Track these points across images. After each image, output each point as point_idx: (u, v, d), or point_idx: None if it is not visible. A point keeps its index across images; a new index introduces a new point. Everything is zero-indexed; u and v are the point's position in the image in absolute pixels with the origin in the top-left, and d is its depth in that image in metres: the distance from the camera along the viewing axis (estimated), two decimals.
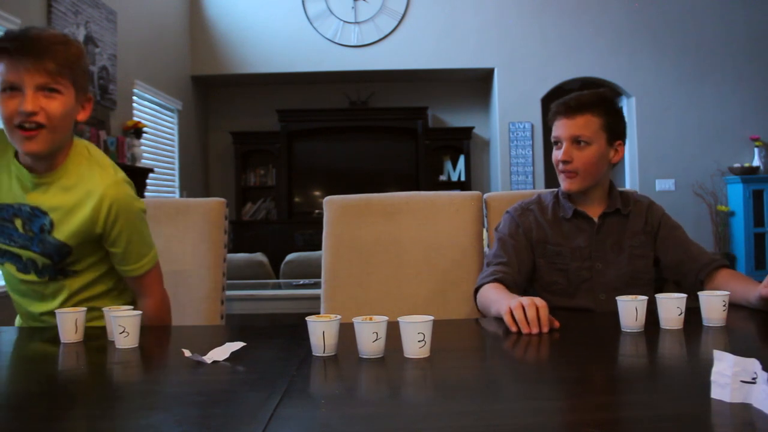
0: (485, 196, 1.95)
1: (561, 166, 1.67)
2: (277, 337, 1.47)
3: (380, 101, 7.04)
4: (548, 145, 2.56)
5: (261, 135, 6.86)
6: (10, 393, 1.05)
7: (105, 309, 1.35)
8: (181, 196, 6.03)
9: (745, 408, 0.80)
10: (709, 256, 1.64)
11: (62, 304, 1.49)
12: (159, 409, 0.92)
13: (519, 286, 1.66)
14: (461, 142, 6.89)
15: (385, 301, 1.84)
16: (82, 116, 1.45)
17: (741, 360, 0.82)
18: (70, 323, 1.32)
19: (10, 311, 1.62)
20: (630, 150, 6.45)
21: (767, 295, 1.37)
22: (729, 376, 0.82)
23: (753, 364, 0.82)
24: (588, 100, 1.66)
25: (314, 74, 6.56)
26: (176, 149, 6.06)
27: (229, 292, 2.12)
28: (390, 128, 6.95)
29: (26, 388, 1.09)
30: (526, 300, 1.32)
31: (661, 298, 1.32)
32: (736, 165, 6.09)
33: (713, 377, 0.84)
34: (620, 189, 1.78)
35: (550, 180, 6.37)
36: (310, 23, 6.37)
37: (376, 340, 1.11)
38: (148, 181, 5.00)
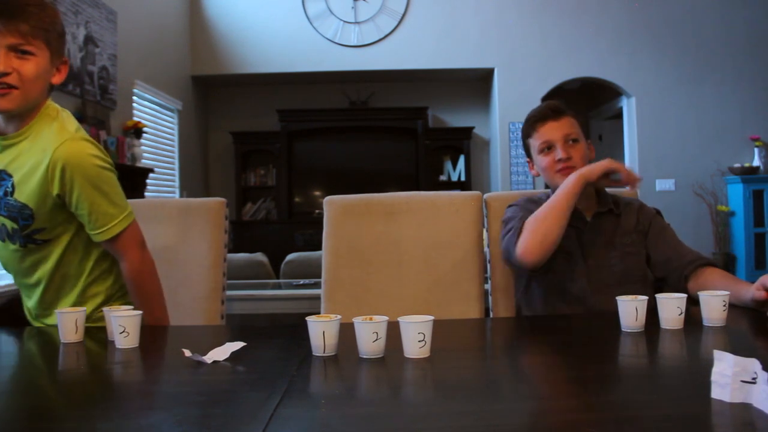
0: (485, 196, 1.95)
1: (560, 165, 1.70)
2: (277, 337, 1.47)
3: (380, 101, 7.04)
4: None
5: (261, 135, 6.86)
6: (10, 393, 1.05)
7: (105, 309, 1.35)
8: (181, 196, 6.03)
9: (745, 408, 0.80)
10: (695, 254, 1.67)
11: (43, 291, 1.47)
12: (159, 409, 0.92)
13: None
14: (461, 142, 6.89)
15: (385, 301, 1.84)
16: (57, 79, 1.46)
17: (741, 360, 0.82)
18: (70, 323, 1.32)
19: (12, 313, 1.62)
20: (630, 150, 6.45)
21: (760, 298, 1.38)
22: (729, 376, 0.82)
23: (753, 364, 0.82)
24: (561, 104, 1.76)
25: (314, 74, 6.56)
26: (176, 149, 6.06)
27: (229, 292, 2.12)
28: (390, 128, 6.95)
29: (26, 388, 1.09)
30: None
31: (661, 298, 1.32)
32: (736, 165, 6.09)
33: (713, 377, 0.84)
34: (609, 191, 1.80)
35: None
36: (310, 23, 6.37)
37: (376, 340, 1.11)
38: (148, 181, 4.99)
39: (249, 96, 7.12)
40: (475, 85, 7.05)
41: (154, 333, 1.45)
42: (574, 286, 1.67)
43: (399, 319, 1.12)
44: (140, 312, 1.30)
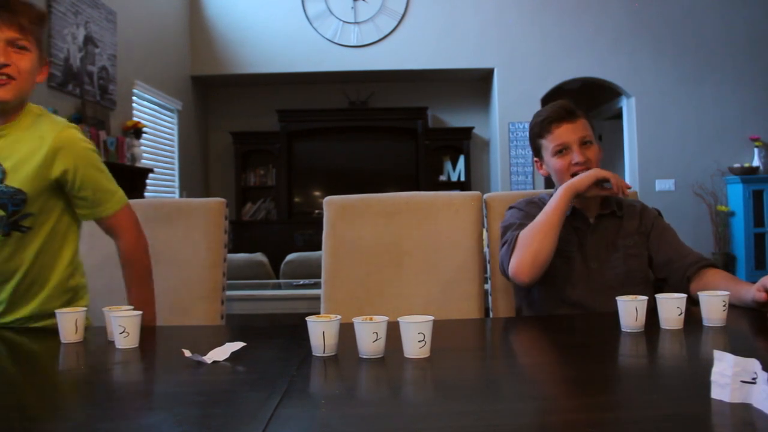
0: (485, 196, 1.95)
1: (576, 168, 1.68)
2: (277, 337, 1.47)
3: (380, 101, 7.04)
4: None
5: (261, 135, 6.86)
6: (9, 393, 1.05)
7: (105, 309, 1.35)
8: (181, 196, 6.03)
9: (745, 408, 0.80)
10: (696, 256, 1.67)
11: (18, 282, 1.49)
12: (159, 409, 0.92)
13: None
14: (461, 142, 6.89)
15: (385, 301, 1.84)
16: (41, 77, 1.52)
17: (741, 360, 0.82)
18: (70, 323, 1.32)
19: None
20: (630, 150, 6.45)
21: (760, 300, 1.38)
22: (729, 376, 0.82)
23: (753, 364, 0.82)
24: (574, 105, 1.73)
25: (314, 74, 6.56)
26: (176, 149, 6.06)
27: (229, 292, 2.12)
28: (390, 128, 6.95)
29: (26, 388, 1.09)
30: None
31: (661, 298, 1.32)
32: (736, 165, 6.09)
33: (713, 377, 0.84)
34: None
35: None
36: (310, 23, 6.37)
37: (376, 340, 1.11)
38: (148, 181, 5.00)
39: (249, 96, 7.12)
40: (475, 85, 7.05)
41: (154, 333, 1.45)
42: (576, 288, 1.67)
43: (399, 319, 1.12)
44: (140, 312, 1.30)
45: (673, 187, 6.29)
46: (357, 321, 1.12)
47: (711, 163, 6.21)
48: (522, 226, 1.68)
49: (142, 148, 5.02)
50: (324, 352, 1.14)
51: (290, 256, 4.09)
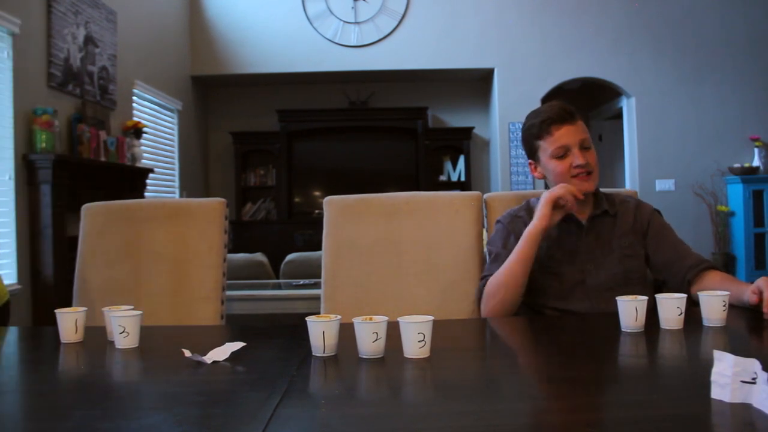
0: (485, 196, 1.95)
1: (577, 171, 1.65)
2: (277, 337, 1.47)
3: (380, 101, 7.04)
4: None
5: (261, 135, 6.86)
6: (10, 393, 1.05)
7: (105, 309, 1.35)
8: (181, 196, 6.03)
9: (745, 408, 0.80)
10: (696, 257, 1.65)
11: None
12: (159, 409, 0.92)
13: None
14: (461, 142, 6.89)
15: (385, 301, 1.84)
16: None
17: (741, 360, 0.82)
18: (70, 323, 1.32)
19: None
20: (630, 150, 6.45)
21: (753, 302, 1.38)
22: (729, 376, 0.82)
23: (753, 364, 0.82)
24: (570, 106, 1.70)
25: (314, 74, 6.56)
26: (176, 149, 6.06)
27: (229, 292, 2.12)
28: (390, 128, 6.95)
29: (26, 388, 1.09)
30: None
31: (661, 298, 1.32)
32: (736, 165, 6.09)
33: (713, 377, 0.84)
34: (604, 190, 1.79)
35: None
36: (310, 23, 6.37)
37: (376, 340, 1.11)
38: (148, 181, 5.00)
39: (249, 96, 7.12)
40: (475, 85, 7.05)
41: (154, 333, 1.45)
42: (574, 291, 1.66)
43: (399, 319, 1.12)
44: (140, 312, 1.30)
45: (673, 187, 6.29)
46: (357, 321, 1.12)
47: (711, 163, 6.21)
48: (498, 257, 1.68)
49: (142, 148, 5.02)
50: (324, 352, 1.14)
51: (290, 256, 4.09)
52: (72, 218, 3.53)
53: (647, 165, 6.29)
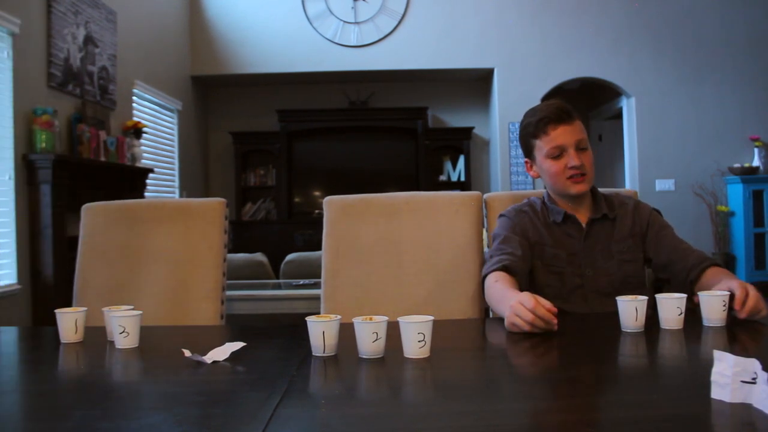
0: (485, 196, 1.95)
1: (572, 172, 1.64)
2: (277, 337, 1.47)
3: (380, 101, 7.04)
4: None
5: (261, 135, 6.86)
6: (10, 393, 1.05)
7: (105, 309, 1.35)
8: (181, 196, 6.03)
9: (745, 408, 0.80)
10: (697, 256, 1.63)
11: None
12: (159, 409, 0.92)
13: (525, 274, 1.65)
14: (461, 142, 6.89)
15: (385, 301, 1.84)
16: None
17: (741, 360, 0.82)
18: (70, 323, 1.32)
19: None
20: (630, 150, 6.45)
21: (746, 317, 1.33)
22: (729, 376, 0.82)
23: (753, 364, 0.82)
24: (568, 106, 1.67)
25: (314, 74, 6.56)
26: (176, 149, 6.06)
27: (229, 292, 2.12)
28: (390, 128, 6.95)
29: (26, 388, 1.09)
30: (523, 301, 1.29)
31: (661, 298, 1.32)
32: (736, 165, 6.09)
33: (713, 377, 0.84)
34: (603, 191, 1.77)
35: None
36: (310, 23, 6.37)
37: (376, 340, 1.11)
38: (148, 181, 5.00)
39: (249, 96, 7.12)
40: (474, 85, 7.05)
41: (154, 333, 1.45)
42: (573, 294, 1.66)
43: (399, 319, 1.12)
44: (140, 312, 1.30)
45: (673, 187, 6.29)
46: (357, 321, 1.12)
47: (711, 163, 6.21)
48: (507, 239, 1.65)
49: (142, 148, 5.02)
50: (324, 352, 1.14)
51: (290, 256, 4.09)
52: (72, 218, 3.53)
53: (647, 165, 6.29)
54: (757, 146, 6.15)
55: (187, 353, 1.13)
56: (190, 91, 6.43)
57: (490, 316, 1.89)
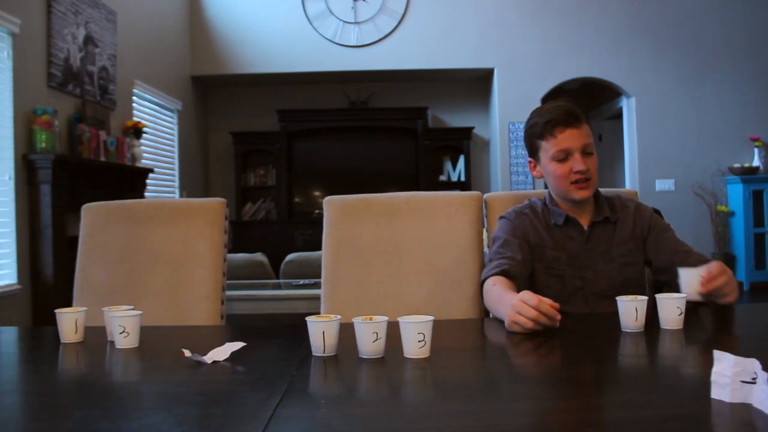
0: (485, 196, 1.95)
1: (576, 177, 1.63)
2: (277, 337, 1.47)
3: (380, 101, 7.04)
4: None
5: (261, 135, 6.86)
6: (10, 393, 1.05)
7: (105, 309, 1.35)
8: (181, 196, 6.03)
9: (745, 408, 0.80)
10: (697, 258, 1.63)
11: None
12: (159, 409, 0.92)
13: (525, 278, 1.65)
14: (461, 142, 6.89)
15: (385, 301, 1.84)
16: None
17: (741, 360, 0.82)
18: (70, 323, 1.32)
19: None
20: (630, 150, 6.45)
21: (705, 292, 1.39)
22: (729, 376, 0.82)
23: (753, 364, 0.82)
24: (577, 109, 1.65)
25: (314, 74, 6.56)
26: (176, 149, 6.06)
27: (229, 292, 2.12)
28: (390, 128, 6.95)
29: (26, 388, 1.09)
30: (525, 299, 1.29)
31: (661, 298, 1.32)
32: (736, 165, 6.09)
33: (713, 377, 0.84)
34: (605, 193, 1.77)
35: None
36: (310, 23, 6.37)
37: (376, 340, 1.11)
38: (148, 181, 5.00)
39: (249, 96, 7.12)
40: (475, 85, 7.05)
41: (154, 333, 1.45)
42: (574, 296, 1.65)
43: (399, 319, 1.12)
44: (140, 312, 1.30)
45: (673, 187, 6.29)
46: (357, 321, 1.12)
47: (711, 163, 6.21)
48: (507, 242, 1.65)
49: (142, 148, 5.02)
50: (324, 352, 1.14)
51: (290, 256, 4.09)
52: (72, 218, 3.53)
53: (647, 165, 6.29)
54: (757, 146, 6.16)
55: (187, 353, 1.13)
56: (190, 91, 6.43)
57: (490, 316, 1.89)
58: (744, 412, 0.79)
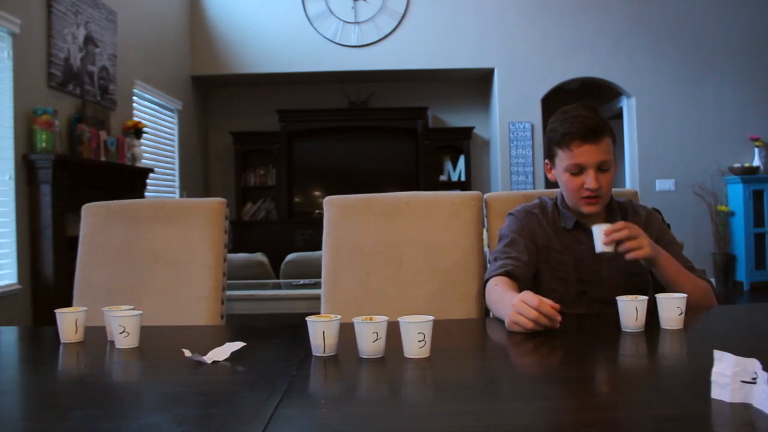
0: (485, 196, 1.95)
1: (587, 193, 1.60)
2: (277, 337, 1.47)
3: (380, 101, 7.04)
4: None
5: (261, 135, 6.86)
6: (10, 393, 1.05)
7: (104, 309, 1.35)
8: (181, 196, 6.03)
9: (745, 408, 0.80)
10: (694, 281, 1.60)
11: None
12: (159, 409, 0.92)
13: (529, 280, 1.64)
14: (461, 142, 6.89)
15: (385, 301, 1.84)
16: None
17: (741, 360, 0.82)
18: (70, 323, 1.32)
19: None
20: (630, 150, 6.45)
21: (607, 243, 1.48)
22: (729, 376, 0.82)
23: (753, 364, 0.82)
24: (602, 122, 1.59)
25: (314, 74, 6.56)
26: (176, 149, 6.06)
27: (229, 292, 2.12)
28: (390, 128, 6.95)
29: (26, 388, 1.09)
30: (526, 299, 1.29)
31: (661, 298, 1.32)
32: (736, 165, 6.09)
33: (713, 377, 0.84)
34: (618, 197, 1.75)
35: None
36: (310, 23, 6.37)
37: (376, 340, 1.11)
38: (148, 181, 5.00)
39: (249, 96, 7.12)
40: (475, 85, 7.05)
41: (154, 333, 1.45)
42: (576, 303, 1.64)
43: (399, 319, 1.12)
44: (140, 312, 1.30)
45: (673, 187, 6.29)
46: (357, 321, 1.12)
47: (711, 163, 6.21)
48: (514, 242, 1.65)
49: (143, 148, 5.02)
50: (324, 352, 1.14)
51: (290, 256, 4.09)
52: (72, 218, 3.53)
53: (647, 165, 6.29)
54: (757, 146, 6.16)
55: (187, 353, 1.13)
56: (190, 91, 6.43)
57: (491, 315, 1.89)
58: (744, 412, 0.79)
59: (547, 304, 1.27)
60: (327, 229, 1.91)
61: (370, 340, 1.11)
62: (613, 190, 1.82)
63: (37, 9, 3.78)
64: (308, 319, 1.15)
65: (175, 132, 6.07)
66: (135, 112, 5.14)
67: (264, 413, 0.84)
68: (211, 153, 7.12)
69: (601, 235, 1.50)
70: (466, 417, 0.84)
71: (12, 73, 3.50)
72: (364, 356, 1.11)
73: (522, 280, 1.60)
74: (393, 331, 1.12)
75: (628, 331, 1.29)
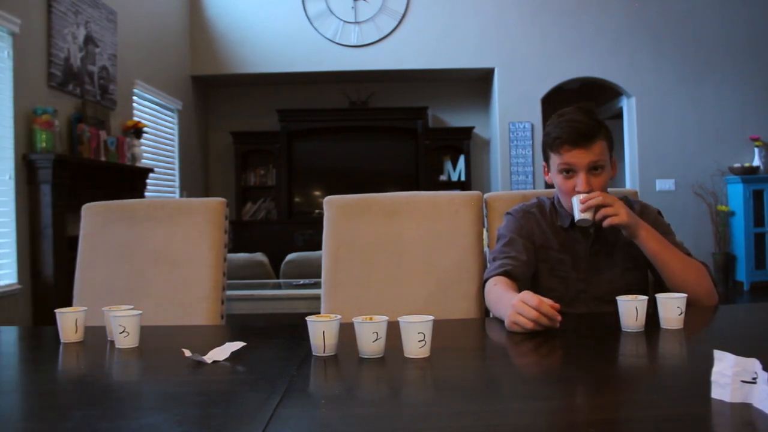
0: (485, 196, 1.95)
1: (578, 195, 1.60)
2: (277, 337, 1.47)
3: (380, 101, 7.04)
4: None
5: (261, 135, 6.86)
6: (10, 393, 1.05)
7: (104, 309, 1.35)
8: (181, 196, 6.03)
9: (745, 408, 0.80)
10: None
11: None
12: (159, 409, 0.92)
13: (527, 279, 1.64)
14: (461, 142, 6.89)
15: (385, 301, 1.84)
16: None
17: (741, 360, 0.82)
18: (70, 323, 1.32)
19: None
20: (630, 150, 6.45)
21: (583, 211, 1.53)
22: (729, 376, 0.82)
23: (753, 364, 0.82)
24: (595, 125, 1.59)
25: (314, 74, 6.56)
26: (176, 149, 6.06)
27: (229, 292, 2.12)
28: (390, 128, 6.95)
29: (26, 388, 1.09)
30: (525, 299, 1.29)
31: (661, 298, 1.32)
32: (736, 165, 6.09)
33: (713, 377, 0.84)
34: (613, 193, 1.75)
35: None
36: (310, 23, 6.37)
37: (376, 340, 1.11)
38: (148, 181, 5.00)
39: (249, 96, 7.12)
40: (475, 85, 7.05)
41: (154, 333, 1.45)
42: (575, 302, 1.65)
43: (399, 319, 1.12)
44: (140, 312, 1.30)
45: (673, 187, 6.29)
46: (357, 321, 1.12)
47: (711, 163, 6.21)
48: (512, 241, 1.65)
49: (143, 147, 5.02)
50: (324, 352, 1.14)
51: (290, 256, 4.09)
52: (72, 218, 3.53)
53: (647, 165, 6.29)
54: (757, 146, 6.16)
55: (187, 353, 1.13)
56: (190, 91, 6.43)
57: (491, 315, 1.89)
58: (744, 412, 0.79)
59: (547, 303, 1.28)
60: (327, 229, 1.91)
61: (370, 340, 1.11)
62: (614, 190, 1.82)
63: (37, 9, 3.78)
64: (308, 319, 1.15)
65: (175, 132, 6.07)
66: (135, 112, 5.14)
67: (264, 413, 0.84)
68: (211, 153, 7.12)
69: (578, 204, 1.55)
70: (466, 417, 0.84)
71: (12, 73, 3.50)
72: (364, 356, 1.11)
73: (521, 280, 1.60)
74: (393, 331, 1.12)
75: (628, 331, 1.29)
